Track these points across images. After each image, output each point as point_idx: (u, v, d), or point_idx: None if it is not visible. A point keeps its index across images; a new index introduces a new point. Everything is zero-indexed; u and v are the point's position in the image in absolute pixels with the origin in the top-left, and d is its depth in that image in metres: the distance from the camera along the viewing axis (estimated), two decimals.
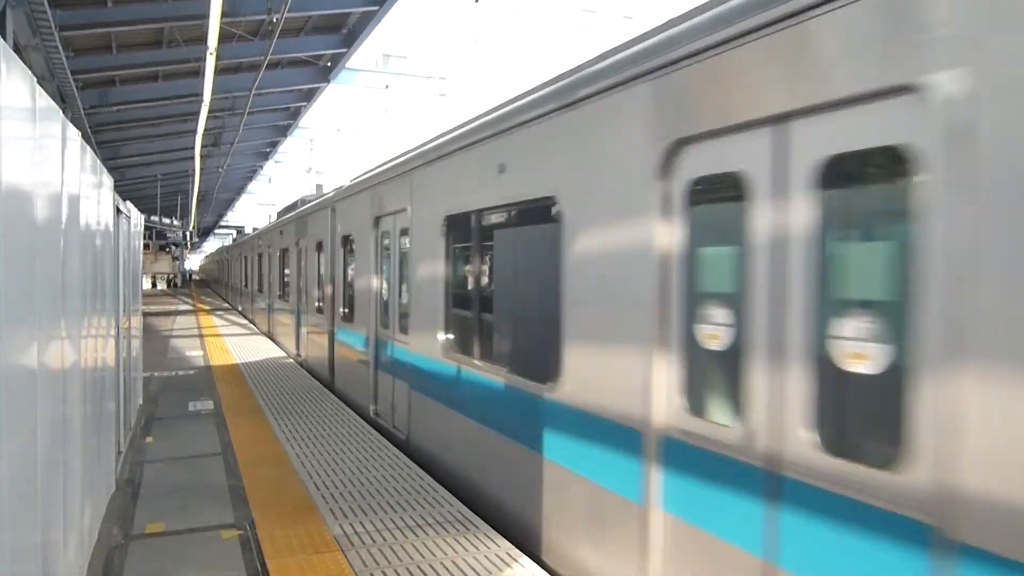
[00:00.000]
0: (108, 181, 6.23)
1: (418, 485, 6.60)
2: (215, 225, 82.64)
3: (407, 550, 5.12)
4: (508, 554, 5.07)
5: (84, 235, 4.67)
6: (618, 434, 4.34)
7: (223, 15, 12.22)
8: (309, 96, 27.28)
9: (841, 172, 3.09)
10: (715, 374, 3.84)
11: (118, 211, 7.27)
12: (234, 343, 18.66)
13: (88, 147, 4.91)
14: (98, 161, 5.64)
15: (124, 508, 6.03)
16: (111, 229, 6.44)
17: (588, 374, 4.69)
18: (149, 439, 8.35)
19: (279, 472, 7.04)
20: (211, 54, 13.38)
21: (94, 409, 5.24)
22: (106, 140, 26.59)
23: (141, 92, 22.71)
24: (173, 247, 62.67)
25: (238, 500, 6.24)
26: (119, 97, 22.11)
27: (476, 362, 6.59)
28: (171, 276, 63.85)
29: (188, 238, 58.81)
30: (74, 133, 4.24)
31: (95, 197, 5.33)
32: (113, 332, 6.76)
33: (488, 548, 5.16)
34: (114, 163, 28.95)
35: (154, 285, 61.32)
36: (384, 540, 5.30)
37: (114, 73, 20.53)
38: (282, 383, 12.21)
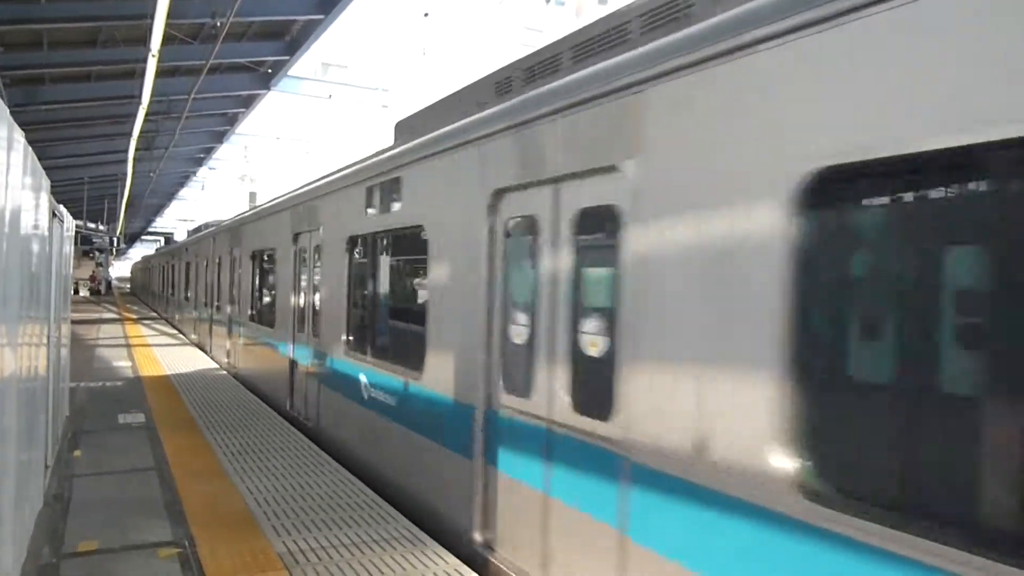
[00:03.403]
0: (46, 184, 6.01)
1: (362, 501, 6.50)
2: (142, 231, 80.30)
3: (355, 568, 5.03)
4: (456, 571, 5.03)
5: (23, 239, 4.49)
6: None
7: (167, 17, 11.93)
8: (248, 103, 26.91)
9: None
10: None
11: (53, 215, 7.01)
12: (163, 353, 18.11)
13: (31, 149, 4.73)
14: (39, 164, 5.44)
15: (54, 525, 5.77)
16: (46, 233, 6.21)
17: None
18: (77, 453, 8.02)
19: (217, 487, 6.85)
20: (153, 56, 13.04)
21: (27, 421, 5.02)
22: (33, 140, 25.49)
23: (72, 92, 22.05)
24: (97, 253, 60.54)
25: (175, 516, 6.03)
26: (48, 96, 21.42)
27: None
28: (96, 283, 61.45)
29: (114, 244, 56.90)
30: (19, 135, 4.08)
31: (34, 201, 5.14)
32: (45, 340, 6.50)
33: (437, 565, 5.11)
34: (41, 164, 27.94)
35: (76, 292, 59.09)
36: (331, 558, 5.20)
37: (44, 71, 19.86)
38: (215, 395, 11.89)
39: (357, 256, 8.47)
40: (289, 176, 45.74)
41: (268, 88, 23.86)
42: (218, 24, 13.34)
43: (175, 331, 25.37)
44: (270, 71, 23.00)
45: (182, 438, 8.81)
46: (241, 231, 14.96)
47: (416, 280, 7.06)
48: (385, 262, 8.06)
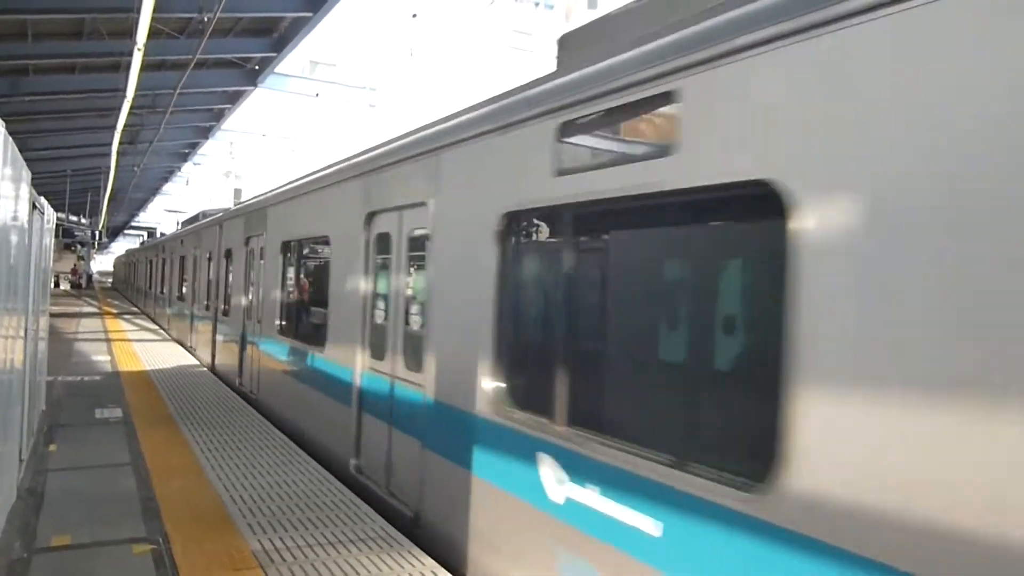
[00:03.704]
0: (27, 175, 5.97)
1: (339, 500, 6.49)
2: (125, 225, 79.67)
3: (330, 568, 5.01)
4: (433, 572, 5.03)
5: (1, 230, 4.46)
6: None
7: (153, 10, 11.86)
8: (234, 99, 26.79)
9: None
10: None
11: (33, 206, 6.97)
12: (143, 348, 17.98)
13: (11, 140, 4.70)
14: (19, 154, 5.41)
15: (26, 519, 5.72)
16: (26, 225, 6.16)
17: None
18: (53, 447, 7.95)
19: (193, 483, 6.81)
20: (139, 50, 12.96)
21: (1, 414, 4.98)
22: (15, 131, 25.26)
23: (57, 83, 21.89)
24: (79, 246, 59.98)
25: (150, 512, 5.99)
26: (32, 87, 21.25)
27: None
28: (77, 277, 60.90)
29: (96, 238, 56.40)
30: None
31: (14, 191, 5.10)
32: (22, 333, 6.45)
33: (412, 566, 5.11)
34: (23, 156, 27.71)
35: (57, 285, 58.52)
36: (305, 557, 5.19)
37: (28, 62, 19.69)
38: (194, 391, 11.82)
39: (522, 246, 5.23)
40: (275, 174, 45.56)
41: (255, 85, 23.76)
42: (205, 19, 13.29)
43: (157, 327, 25.14)
44: (257, 68, 22.91)
45: (159, 434, 8.75)
46: (266, 215, 11.43)
47: (730, 298, 3.85)
48: (613, 258, 4.67)
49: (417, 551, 5.36)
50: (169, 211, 59.82)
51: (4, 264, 4.64)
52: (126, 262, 55.90)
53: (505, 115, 5.14)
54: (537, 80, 5.12)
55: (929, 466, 2.44)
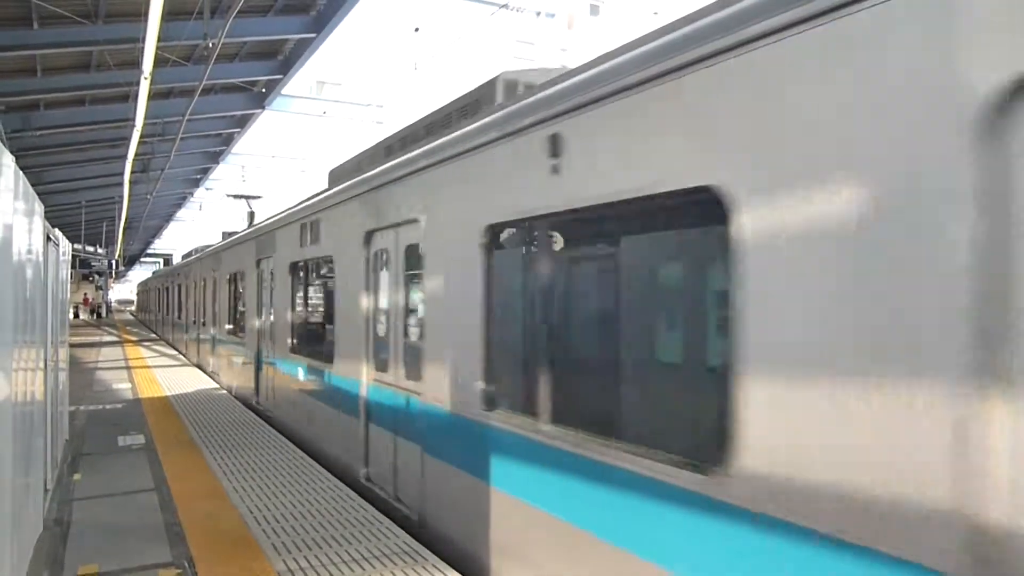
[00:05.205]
0: (40, 208, 6.03)
1: (362, 517, 6.49)
2: (141, 253, 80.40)
3: None
4: None
5: (16, 264, 4.50)
6: None
7: (158, 39, 11.98)
8: (243, 122, 26.99)
9: None
10: None
11: (48, 239, 7.04)
12: (163, 375, 18.09)
13: (22, 173, 4.75)
14: (31, 188, 5.46)
15: (53, 550, 5.76)
16: (41, 258, 6.22)
17: None
18: (77, 476, 8.01)
19: (217, 507, 6.83)
20: (145, 79, 13.09)
21: (24, 446, 5.02)
22: (29, 166, 25.74)
23: (67, 116, 22.16)
24: (97, 276, 60.55)
25: (175, 537, 6.02)
26: (43, 121, 21.49)
27: None
28: (95, 306, 61.61)
29: (114, 267, 56.90)
30: (9, 159, 4.10)
31: (27, 225, 5.15)
32: (42, 365, 6.50)
33: None
34: (37, 189, 28.01)
35: (76, 315, 59.04)
36: (331, 575, 5.19)
37: (39, 97, 19.94)
38: (215, 415, 11.88)
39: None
40: (287, 195, 45.74)
41: (262, 107, 23.92)
42: (210, 45, 13.39)
43: (174, 351, 25.22)
44: (264, 91, 23.09)
45: (181, 458, 8.79)
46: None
47: None
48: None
49: (443, 565, 5.35)
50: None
51: (20, 297, 4.69)
52: (155, 287, 42.28)
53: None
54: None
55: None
